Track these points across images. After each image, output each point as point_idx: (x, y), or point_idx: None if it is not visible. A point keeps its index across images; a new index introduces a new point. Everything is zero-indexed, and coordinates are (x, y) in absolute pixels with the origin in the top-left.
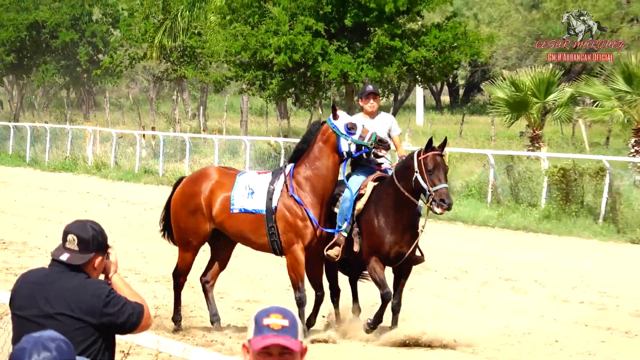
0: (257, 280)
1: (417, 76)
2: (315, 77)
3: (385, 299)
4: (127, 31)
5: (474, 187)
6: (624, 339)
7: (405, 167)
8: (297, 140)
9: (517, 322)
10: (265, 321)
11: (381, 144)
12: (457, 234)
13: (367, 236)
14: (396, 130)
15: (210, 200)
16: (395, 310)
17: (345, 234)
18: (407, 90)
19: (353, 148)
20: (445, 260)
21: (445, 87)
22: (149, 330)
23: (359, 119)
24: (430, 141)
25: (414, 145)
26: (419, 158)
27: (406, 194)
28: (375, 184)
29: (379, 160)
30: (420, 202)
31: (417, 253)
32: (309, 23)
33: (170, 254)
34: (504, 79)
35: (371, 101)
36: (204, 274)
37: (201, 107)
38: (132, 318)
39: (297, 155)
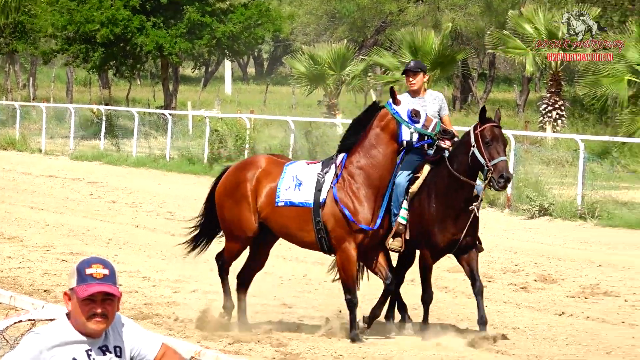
0: (79, 235)
1: (226, 50)
2: (133, 50)
3: (425, 302)
4: None
5: (277, 150)
6: (442, 294)
7: (461, 143)
8: (118, 108)
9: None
10: (88, 271)
11: (445, 134)
12: None
13: (414, 224)
14: (445, 109)
15: (256, 190)
16: (480, 293)
17: (404, 222)
18: (217, 63)
19: (415, 137)
20: None
21: (252, 60)
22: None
23: (405, 98)
24: (483, 111)
25: (222, 112)
26: (476, 131)
27: (462, 177)
28: (431, 167)
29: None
30: (479, 183)
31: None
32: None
33: (24, 214)
34: (304, 53)
35: (410, 79)
36: (240, 274)
37: (31, 78)
38: None
39: (349, 144)
